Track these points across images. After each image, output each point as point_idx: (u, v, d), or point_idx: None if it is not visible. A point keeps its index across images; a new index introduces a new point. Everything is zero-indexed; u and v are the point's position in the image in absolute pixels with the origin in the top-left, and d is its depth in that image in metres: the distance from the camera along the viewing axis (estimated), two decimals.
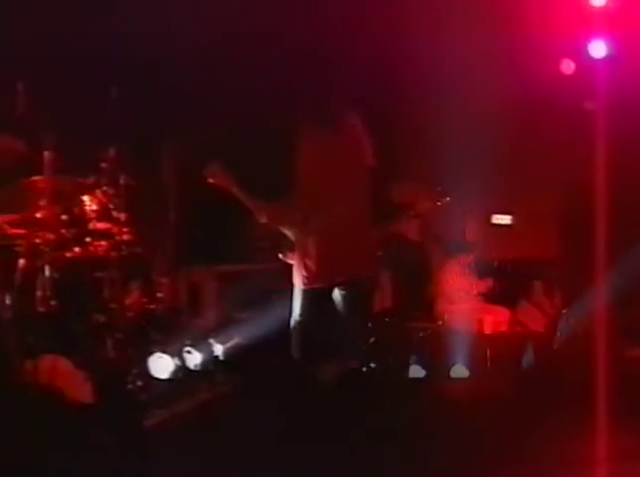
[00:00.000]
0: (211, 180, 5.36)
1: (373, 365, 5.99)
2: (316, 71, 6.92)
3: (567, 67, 7.74)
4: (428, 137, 7.69)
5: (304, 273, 5.22)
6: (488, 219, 8.27)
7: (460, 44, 7.06)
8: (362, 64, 7.39)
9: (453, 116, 7.18)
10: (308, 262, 5.20)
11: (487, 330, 7.69)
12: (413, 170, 7.86)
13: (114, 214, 6.19)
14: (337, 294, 5.30)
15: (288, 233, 5.36)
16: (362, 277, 5.33)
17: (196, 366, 6.40)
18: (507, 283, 8.02)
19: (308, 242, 5.22)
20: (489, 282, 7.83)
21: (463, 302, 7.58)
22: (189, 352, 6.42)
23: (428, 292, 7.78)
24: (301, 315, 5.25)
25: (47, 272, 5.70)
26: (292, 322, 5.31)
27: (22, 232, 5.73)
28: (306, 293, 5.22)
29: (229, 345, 6.65)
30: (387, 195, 7.01)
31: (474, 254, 7.72)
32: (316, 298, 5.25)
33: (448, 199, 6.48)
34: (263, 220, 5.34)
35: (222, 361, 6.61)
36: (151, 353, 6.10)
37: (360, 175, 5.35)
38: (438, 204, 6.47)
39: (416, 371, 7.08)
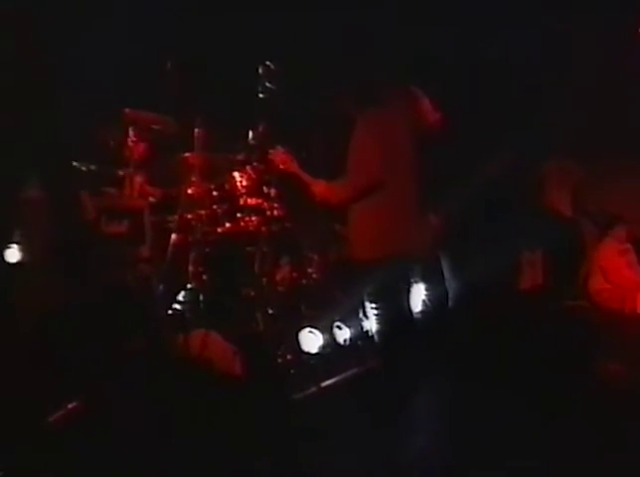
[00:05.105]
0: (274, 160, 5.37)
1: None
2: None
3: None
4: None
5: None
6: None
7: None
8: None
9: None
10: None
11: None
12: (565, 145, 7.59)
13: (265, 189, 6.28)
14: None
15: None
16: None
17: (345, 341, 6.40)
18: None
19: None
20: None
21: (622, 280, 7.25)
22: (339, 327, 6.42)
23: (582, 269, 7.48)
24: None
25: (199, 247, 5.84)
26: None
27: (175, 207, 5.87)
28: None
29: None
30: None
31: (633, 229, 7.36)
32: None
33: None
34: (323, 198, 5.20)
35: (371, 337, 6.58)
36: (301, 328, 6.15)
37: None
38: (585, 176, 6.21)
39: None
